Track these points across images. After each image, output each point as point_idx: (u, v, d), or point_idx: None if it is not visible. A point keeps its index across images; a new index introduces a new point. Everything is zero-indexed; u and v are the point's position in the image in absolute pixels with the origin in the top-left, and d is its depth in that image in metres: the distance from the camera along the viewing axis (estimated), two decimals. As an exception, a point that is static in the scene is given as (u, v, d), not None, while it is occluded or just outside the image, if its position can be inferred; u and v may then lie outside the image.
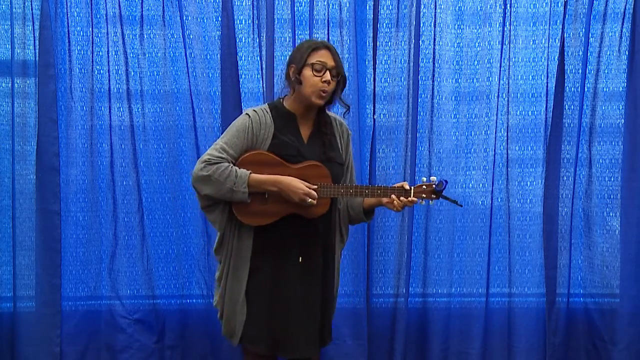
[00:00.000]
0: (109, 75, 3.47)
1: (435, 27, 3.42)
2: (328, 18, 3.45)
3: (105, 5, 3.43)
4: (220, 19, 3.42)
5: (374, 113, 3.49)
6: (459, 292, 3.57)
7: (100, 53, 3.46)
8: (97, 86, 3.48)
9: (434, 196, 2.67)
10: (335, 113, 2.88)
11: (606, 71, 3.45)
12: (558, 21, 3.41)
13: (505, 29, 3.43)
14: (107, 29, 3.44)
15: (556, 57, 3.41)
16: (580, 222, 3.54)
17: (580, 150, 3.47)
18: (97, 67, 3.47)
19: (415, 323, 3.58)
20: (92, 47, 3.45)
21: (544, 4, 3.43)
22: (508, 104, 3.48)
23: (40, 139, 3.40)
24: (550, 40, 3.43)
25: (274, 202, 2.62)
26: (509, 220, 3.52)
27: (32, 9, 3.41)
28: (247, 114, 2.69)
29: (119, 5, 3.43)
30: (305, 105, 2.68)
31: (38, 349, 3.48)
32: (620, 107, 3.46)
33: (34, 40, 3.41)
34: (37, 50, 3.40)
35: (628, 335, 3.46)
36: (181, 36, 3.44)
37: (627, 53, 3.41)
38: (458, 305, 3.57)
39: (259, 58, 3.45)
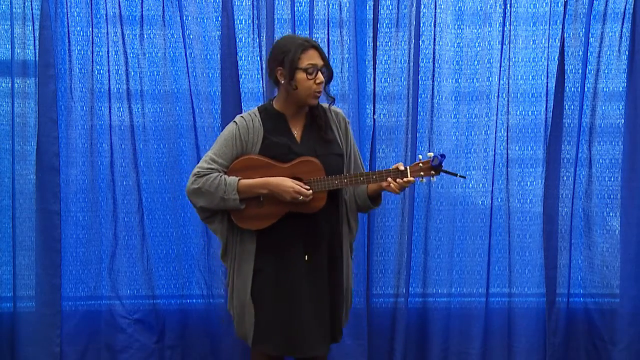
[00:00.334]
0: (109, 75, 3.47)
1: (435, 27, 3.42)
2: (328, 18, 3.45)
3: (105, 5, 3.43)
4: (220, 19, 3.42)
5: (374, 113, 3.49)
6: (459, 292, 3.57)
7: (100, 53, 3.46)
8: (97, 86, 3.48)
9: (433, 172, 2.62)
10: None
11: (606, 71, 3.45)
12: (558, 21, 3.41)
13: (505, 29, 3.43)
14: (107, 29, 3.44)
15: (556, 57, 3.41)
16: (580, 222, 3.54)
17: (580, 150, 3.47)
18: (97, 67, 3.47)
19: (415, 323, 3.58)
20: (92, 47, 3.45)
21: (544, 4, 3.43)
22: (508, 104, 3.48)
23: (40, 139, 3.40)
24: (550, 40, 3.43)
25: (270, 204, 2.63)
26: (509, 220, 3.52)
27: (32, 9, 3.41)
28: (234, 121, 2.72)
29: (119, 5, 3.43)
30: (298, 106, 2.69)
31: (38, 349, 3.48)
32: (620, 107, 3.46)
33: (34, 40, 3.41)
34: (37, 50, 3.40)
35: (628, 335, 3.46)
36: (181, 36, 3.44)
37: (627, 53, 3.41)
38: (458, 305, 3.57)
39: (259, 58, 3.45)
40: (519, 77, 3.47)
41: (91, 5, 3.42)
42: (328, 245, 2.73)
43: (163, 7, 3.45)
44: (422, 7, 3.40)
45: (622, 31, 3.41)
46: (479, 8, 3.45)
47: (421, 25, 3.41)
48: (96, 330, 3.56)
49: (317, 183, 2.61)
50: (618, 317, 3.48)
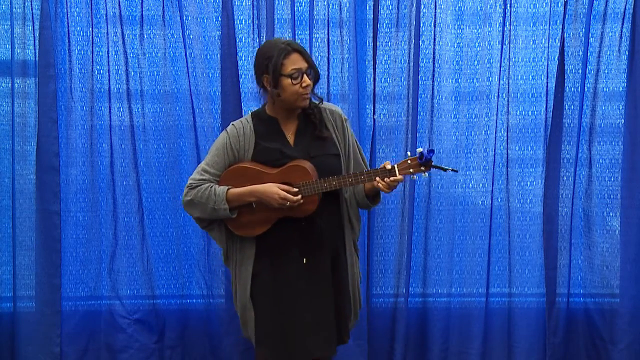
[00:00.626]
0: (109, 75, 3.47)
1: (435, 27, 3.42)
2: (328, 18, 3.45)
3: (105, 5, 3.43)
4: (220, 19, 3.42)
5: (374, 113, 3.49)
6: (459, 292, 3.57)
7: (100, 53, 3.46)
8: (97, 86, 3.48)
9: (423, 168, 2.59)
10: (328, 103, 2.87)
11: (606, 71, 3.45)
12: (558, 21, 3.41)
13: (505, 29, 3.43)
14: (107, 29, 3.44)
15: (556, 57, 3.41)
16: (580, 222, 3.53)
17: (580, 150, 3.47)
18: (97, 67, 3.47)
19: (415, 323, 3.58)
20: (92, 47, 3.45)
21: (544, 4, 3.43)
22: (508, 104, 3.48)
23: (40, 139, 3.41)
24: (550, 40, 3.43)
25: (262, 211, 2.64)
26: (509, 220, 3.52)
27: (32, 9, 3.41)
28: (226, 130, 2.74)
29: (119, 5, 3.43)
30: (288, 110, 2.69)
31: (38, 349, 3.48)
32: (620, 107, 3.46)
33: (34, 40, 3.41)
34: (37, 50, 3.40)
35: (628, 335, 3.46)
36: (181, 36, 3.44)
37: (627, 53, 3.41)
38: (458, 305, 3.57)
39: (259, 58, 3.45)
40: (519, 77, 3.47)
41: (91, 5, 3.42)
42: (329, 246, 2.72)
43: (163, 7, 3.44)
44: (422, 7, 3.40)
45: (622, 31, 3.41)
46: (479, 8, 3.45)
47: (421, 25, 3.41)
48: (96, 330, 3.56)
49: (306, 187, 2.60)
50: (618, 317, 3.48)
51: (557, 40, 3.42)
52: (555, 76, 3.41)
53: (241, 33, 3.46)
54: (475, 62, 3.47)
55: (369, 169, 2.78)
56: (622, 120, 3.45)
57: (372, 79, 3.47)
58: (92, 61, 3.46)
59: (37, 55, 3.40)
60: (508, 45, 3.44)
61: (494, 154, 3.49)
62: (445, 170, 2.68)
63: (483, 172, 3.51)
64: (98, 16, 3.43)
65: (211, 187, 2.65)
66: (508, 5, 3.42)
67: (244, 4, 3.46)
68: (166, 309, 3.59)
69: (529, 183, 3.52)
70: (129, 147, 3.50)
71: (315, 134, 2.70)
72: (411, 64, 3.44)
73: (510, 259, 3.54)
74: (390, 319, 3.57)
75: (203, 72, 3.46)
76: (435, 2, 3.41)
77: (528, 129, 3.50)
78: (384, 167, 2.59)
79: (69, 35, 3.43)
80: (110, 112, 3.49)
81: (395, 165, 2.59)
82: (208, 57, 3.47)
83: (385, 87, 3.49)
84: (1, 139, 3.49)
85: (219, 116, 3.45)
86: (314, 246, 2.69)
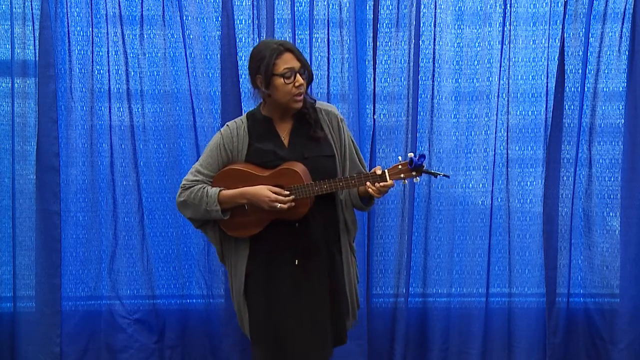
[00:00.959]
0: (109, 75, 3.47)
1: (435, 27, 3.42)
2: (328, 18, 3.45)
3: (105, 5, 3.43)
4: (220, 19, 3.42)
5: (374, 113, 3.49)
6: (459, 292, 3.57)
7: (100, 53, 3.46)
8: (97, 86, 3.48)
9: (415, 173, 2.56)
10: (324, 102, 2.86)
11: (606, 71, 3.45)
12: (558, 21, 3.41)
13: (505, 29, 3.43)
14: (107, 29, 3.44)
15: (556, 57, 3.41)
16: (580, 222, 3.54)
17: (580, 150, 3.47)
18: (97, 67, 3.47)
19: (415, 323, 3.58)
20: (92, 47, 3.45)
21: (544, 4, 3.43)
22: (508, 104, 3.48)
23: (40, 139, 3.41)
24: (550, 40, 3.43)
25: (255, 212, 2.65)
26: (509, 220, 3.52)
27: (32, 9, 3.41)
28: (220, 131, 2.74)
29: (119, 5, 3.43)
30: (282, 110, 2.68)
31: (38, 349, 3.48)
32: (620, 107, 3.46)
33: (34, 40, 3.41)
34: (37, 50, 3.40)
35: (628, 335, 3.46)
36: (181, 36, 3.44)
37: (627, 53, 3.41)
38: (458, 305, 3.57)
39: (259, 58, 3.45)
40: (519, 77, 3.47)
41: (91, 5, 3.42)
42: (324, 248, 2.71)
43: (163, 7, 3.45)
44: (422, 7, 3.40)
45: (622, 31, 3.41)
46: (479, 8, 3.45)
47: (421, 25, 3.41)
48: (96, 330, 3.56)
49: (297, 190, 2.60)
50: (618, 317, 3.48)
51: (557, 40, 3.42)
52: (555, 76, 3.42)
53: (241, 33, 3.46)
54: (475, 62, 3.47)
55: (367, 169, 2.78)
56: (622, 120, 3.45)
57: (372, 79, 3.47)
58: (92, 61, 3.46)
59: (37, 55, 3.40)
60: (508, 45, 3.44)
61: (494, 154, 3.49)
62: (436, 175, 2.65)
63: (483, 172, 3.51)
64: (98, 16, 3.43)
65: (204, 188, 2.65)
66: (508, 5, 3.42)
67: (244, 4, 3.46)
68: (166, 309, 3.59)
69: (529, 183, 3.53)
70: (129, 147, 3.50)
71: (310, 135, 2.69)
72: (411, 64, 3.44)
73: (510, 259, 3.54)
74: (390, 319, 3.57)
75: (203, 72, 3.46)
76: (435, 2, 3.41)
77: (528, 129, 3.50)
78: (375, 172, 2.58)
79: (69, 35, 3.43)
80: (110, 112, 3.49)
81: (386, 171, 2.58)
82: (208, 57, 3.47)
83: (385, 87, 3.49)
84: (1, 139, 3.49)
85: (219, 116, 3.45)
86: (306, 248, 2.68)
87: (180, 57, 3.46)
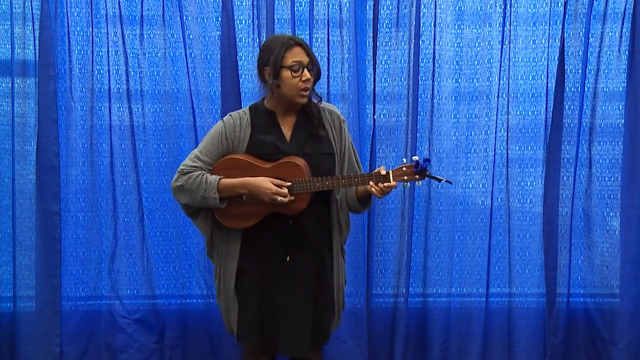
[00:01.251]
0: (109, 75, 3.47)
1: (435, 27, 3.42)
2: (328, 18, 3.45)
3: (105, 5, 3.43)
4: (220, 19, 3.42)
5: (374, 113, 3.49)
6: (459, 292, 3.57)
7: (100, 53, 3.46)
8: (97, 86, 3.48)
9: (418, 177, 2.59)
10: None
11: (606, 71, 3.45)
12: (558, 21, 3.41)
13: (505, 29, 3.43)
14: (107, 29, 3.44)
15: (556, 57, 3.41)
16: (580, 222, 3.54)
17: (580, 150, 3.47)
18: (97, 67, 3.47)
19: (415, 323, 3.58)
20: (92, 47, 3.45)
21: (544, 4, 3.43)
22: (508, 104, 3.48)
23: (40, 139, 3.40)
24: (550, 40, 3.43)
25: (253, 204, 2.64)
26: (509, 220, 3.52)
27: (32, 9, 3.41)
28: (222, 119, 2.73)
29: (119, 5, 3.43)
30: (287, 104, 2.68)
31: (38, 348, 3.48)
32: (620, 107, 3.46)
33: (34, 40, 3.41)
34: (37, 50, 3.40)
35: (628, 335, 3.46)
36: (181, 36, 3.44)
37: (627, 53, 3.41)
38: (458, 305, 3.57)
39: (259, 58, 3.45)
40: (519, 77, 3.47)
41: (91, 5, 3.42)
42: (315, 247, 2.71)
43: (163, 7, 3.44)
44: (422, 7, 3.40)
45: (622, 31, 3.41)
46: (479, 8, 3.45)
47: (421, 25, 3.41)
48: (96, 330, 3.56)
49: (299, 185, 2.60)
50: (618, 317, 3.48)
51: (557, 40, 3.42)
52: (555, 76, 3.41)
53: (241, 33, 3.46)
54: (475, 62, 3.47)
55: (363, 172, 2.78)
56: (622, 120, 3.45)
57: (372, 79, 3.47)
58: (92, 61, 3.46)
59: (37, 55, 3.39)
60: (508, 45, 3.44)
61: (494, 154, 3.49)
62: (439, 180, 2.67)
63: (483, 172, 3.51)
64: (98, 16, 3.43)
65: (203, 174, 2.64)
66: (508, 5, 3.42)
67: (244, 4, 3.46)
68: (166, 309, 3.59)
69: (529, 183, 3.53)
70: (129, 147, 3.50)
71: (312, 132, 2.70)
72: (411, 64, 3.44)
73: (510, 259, 3.54)
74: (390, 319, 3.57)
75: (203, 72, 3.46)
76: (435, 2, 3.41)
77: (528, 129, 3.50)
78: (379, 172, 2.59)
79: (69, 35, 3.43)
80: (110, 112, 3.49)
81: (390, 172, 2.59)
82: (208, 57, 3.47)
83: (385, 87, 3.49)
84: (1, 139, 3.49)
85: (219, 116, 3.45)
86: (298, 245, 2.68)
87: (180, 57, 3.46)
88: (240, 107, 3.40)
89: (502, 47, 3.44)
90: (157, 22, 3.46)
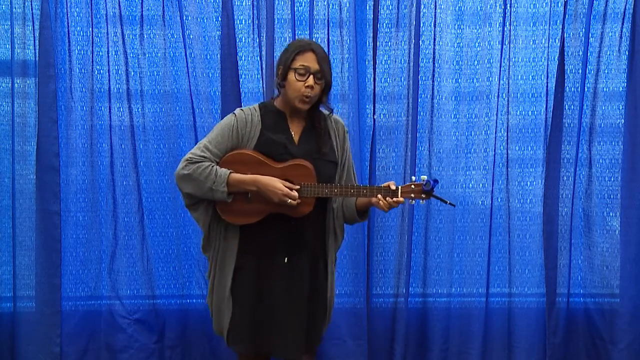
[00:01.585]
0: (109, 75, 3.47)
1: (435, 27, 3.42)
2: (328, 18, 3.45)
3: (105, 5, 3.43)
4: (220, 19, 3.42)
5: (374, 113, 3.49)
6: (459, 292, 3.57)
7: (100, 53, 3.46)
8: (97, 86, 3.48)
9: (424, 196, 2.64)
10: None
11: (606, 71, 3.45)
12: (558, 21, 3.41)
13: (505, 29, 3.43)
14: (107, 29, 3.44)
15: (556, 57, 3.41)
16: (580, 222, 3.54)
17: (580, 150, 3.48)
18: (97, 67, 3.47)
19: (415, 323, 3.58)
20: (92, 47, 3.45)
21: (544, 4, 3.43)
22: (508, 104, 3.48)
23: (40, 139, 3.40)
24: (550, 40, 3.43)
25: (257, 202, 2.62)
26: (509, 220, 3.52)
27: (32, 9, 3.41)
28: (234, 113, 2.71)
29: (119, 5, 3.43)
30: (291, 108, 2.69)
31: (38, 348, 3.48)
32: (620, 107, 3.47)
33: (34, 40, 3.41)
34: (37, 50, 3.40)
35: (628, 335, 3.47)
36: (181, 36, 3.44)
37: (627, 53, 3.41)
38: (458, 305, 3.57)
39: (259, 58, 3.45)
40: (519, 77, 3.47)
41: (91, 5, 3.42)
42: (311, 252, 2.71)
43: (163, 7, 3.45)
44: (422, 7, 3.40)
45: (622, 31, 3.41)
46: (479, 8, 3.45)
47: (421, 25, 3.41)
48: (96, 330, 3.56)
49: (308, 189, 2.60)
50: (618, 317, 3.48)
51: (557, 40, 3.42)
52: (555, 76, 3.42)
53: (241, 33, 3.46)
54: (475, 62, 3.48)
55: (357, 181, 2.82)
56: (622, 120, 3.45)
57: (372, 79, 3.47)
58: (92, 61, 3.46)
59: (37, 55, 3.39)
60: (508, 45, 3.44)
61: (494, 154, 3.49)
62: (444, 202, 2.73)
63: (483, 172, 3.51)
64: (98, 16, 3.43)
65: (212, 166, 2.61)
66: (508, 5, 3.42)
67: (244, 4, 3.46)
68: (166, 309, 3.59)
69: (529, 183, 3.53)
70: (129, 147, 3.50)
71: (319, 138, 2.70)
72: (411, 64, 3.44)
73: (510, 259, 3.54)
74: (390, 319, 3.57)
75: (203, 72, 3.46)
76: (435, 2, 3.41)
77: (528, 129, 3.50)
78: (389, 186, 2.61)
79: (69, 35, 3.43)
80: (110, 112, 3.49)
81: (399, 188, 2.61)
82: (208, 57, 3.47)
83: (385, 87, 3.49)
84: (1, 139, 3.49)
85: (219, 116, 3.45)
86: (297, 248, 2.68)
87: (180, 57, 3.46)
88: (240, 107, 3.41)
89: (502, 47, 3.44)
90: (157, 22, 3.46)
